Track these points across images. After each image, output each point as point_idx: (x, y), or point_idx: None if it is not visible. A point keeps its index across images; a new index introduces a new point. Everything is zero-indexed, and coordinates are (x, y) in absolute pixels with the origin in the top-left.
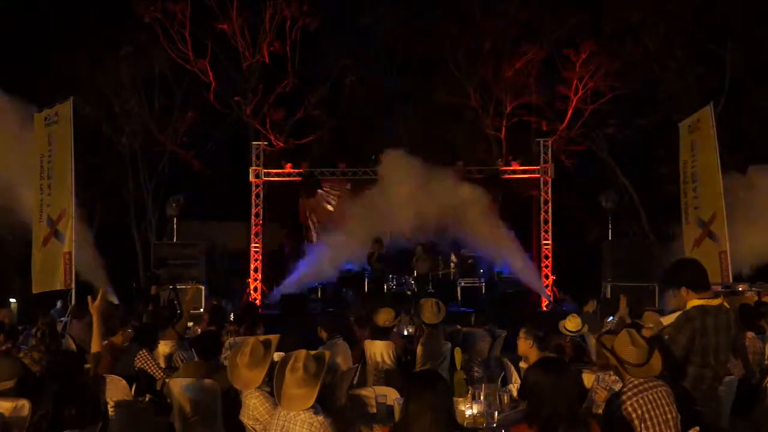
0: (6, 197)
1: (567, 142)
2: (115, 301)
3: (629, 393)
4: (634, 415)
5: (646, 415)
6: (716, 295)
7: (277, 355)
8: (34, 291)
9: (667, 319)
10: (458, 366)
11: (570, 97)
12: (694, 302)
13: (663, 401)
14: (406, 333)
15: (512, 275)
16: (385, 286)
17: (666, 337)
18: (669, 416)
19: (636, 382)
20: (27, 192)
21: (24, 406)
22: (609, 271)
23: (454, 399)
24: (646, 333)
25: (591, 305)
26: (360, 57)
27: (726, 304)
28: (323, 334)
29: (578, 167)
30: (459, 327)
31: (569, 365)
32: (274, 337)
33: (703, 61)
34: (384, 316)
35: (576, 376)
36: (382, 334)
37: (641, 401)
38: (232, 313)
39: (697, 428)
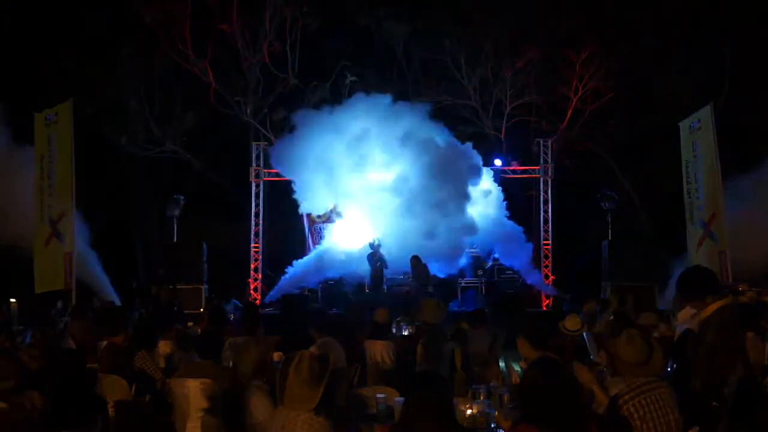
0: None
1: (567, 142)
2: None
3: (631, 393)
4: (636, 416)
5: (648, 416)
6: (725, 294)
7: (277, 355)
8: (37, 291)
9: (683, 317)
10: (458, 366)
11: (570, 97)
12: (719, 303)
13: (665, 402)
14: (406, 333)
15: (512, 276)
16: (385, 287)
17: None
18: (671, 417)
19: (638, 383)
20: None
21: (24, 405)
22: (609, 271)
23: (454, 399)
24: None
25: (590, 305)
26: (360, 57)
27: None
28: (314, 334)
29: (578, 167)
30: (459, 326)
31: (564, 366)
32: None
33: (703, 61)
34: (381, 314)
35: (573, 376)
36: (380, 332)
37: (643, 402)
38: (231, 314)
39: (697, 428)
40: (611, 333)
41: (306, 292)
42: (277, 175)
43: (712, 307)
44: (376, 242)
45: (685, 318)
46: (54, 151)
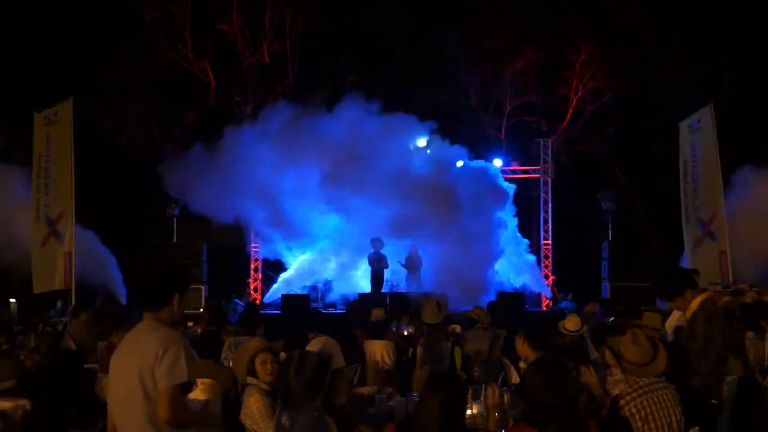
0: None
1: (567, 142)
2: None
3: (634, 394)
4: (637, 416)
5: (650, 417)
6: (704, 290)
7: (281, 356)
8: (35, 291)
9: (671, 323)
10: (458, 366)
11: (570, 97)
12: (700, 298)
13: (668, 403)
14: (406, 333)
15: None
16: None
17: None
18: (673, 418)
19: (641, 383)
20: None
21: (24, 405)
22: (609, 271)
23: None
24: (651, 334)
25: (591, 306)
26: (360, 57)
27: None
28: (308, 334)
29: (578, 167)
30: (459, 327)
31: (565, 365)
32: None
33: (703, 61)
34: (376, 313)
35: (572, 376)
36: (378, 331)
37: (645, 402)
38: (231, 314)
39: (697, 428)
40: (613, 333)
41: (307, 292)
42: None
43: (695, 302)
44: (377, 241)
45: (673, 323)
46: (52, 150)
